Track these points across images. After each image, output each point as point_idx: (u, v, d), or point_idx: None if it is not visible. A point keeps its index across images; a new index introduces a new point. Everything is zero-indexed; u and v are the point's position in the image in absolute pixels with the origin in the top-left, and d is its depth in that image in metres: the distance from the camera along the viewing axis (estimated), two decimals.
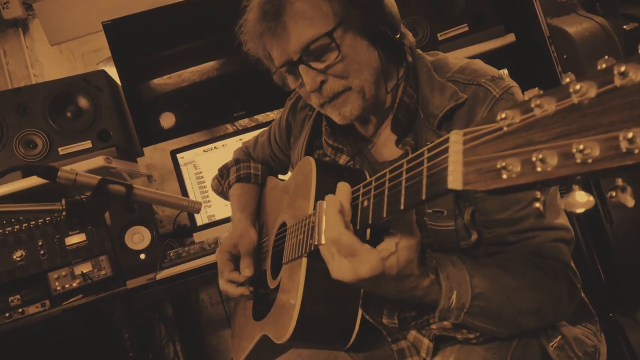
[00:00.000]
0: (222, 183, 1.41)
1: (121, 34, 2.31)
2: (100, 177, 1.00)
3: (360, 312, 0.87)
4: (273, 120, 2.52)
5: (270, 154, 1.37)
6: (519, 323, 0.79)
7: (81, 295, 2.01)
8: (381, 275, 0.67)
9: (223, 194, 1.44)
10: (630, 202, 0.31)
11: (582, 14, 2.04)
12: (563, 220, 0.85)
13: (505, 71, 2.12)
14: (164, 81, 2.35)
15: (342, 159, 1.04)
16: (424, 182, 0.48)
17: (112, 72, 2.33)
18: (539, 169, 0.34)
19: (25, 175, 1.99)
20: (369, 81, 0.90)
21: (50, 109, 2.09)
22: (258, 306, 1.15)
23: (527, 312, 0.78)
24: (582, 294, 1.00)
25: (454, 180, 0.42)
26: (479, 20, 2.07)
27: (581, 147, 0.31)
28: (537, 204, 0.36)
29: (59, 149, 2.09)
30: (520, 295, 0.77)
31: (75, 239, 2.14)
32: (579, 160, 0.31)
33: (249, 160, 1.40)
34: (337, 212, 0.68)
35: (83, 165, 1.99)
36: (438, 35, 2.10)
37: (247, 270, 1.10)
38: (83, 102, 2.14)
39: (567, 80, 0.35)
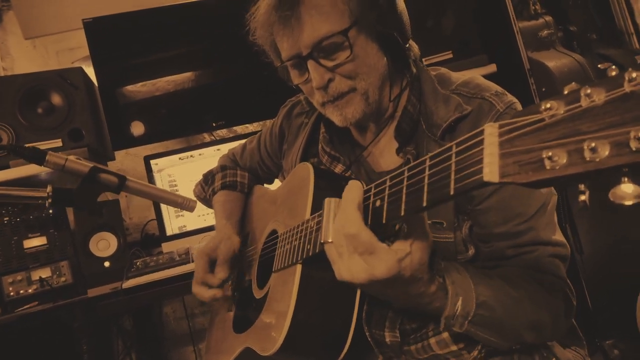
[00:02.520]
0: (206, 189, 1.36)
1: (101, 33, 2.25)
2: (92, 165, 0.95)
3: (353, 324, 0.83)
4: (252, 132, 2.52)
5: (258, 161, 1.33)
6: (519, 336, 0.78)
7: (37, 303, 1.88)
8: (396, 276, 0.63)
9: (206, 200, 1.39)
10: None
11: (560, 50, 2.13)
12: (560, 236, 0.86)
13: None
14: (137, 89, 2.29)
15: (338, 168, 1.02)
16: (452, 176, 0.46)
17: (88, 72, 2.25)
18: (588, 159, 0.33)
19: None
20: (375, 85, 0.90)
21: (20, 102, 1.98)
22: (240, 318, 1.10)
23: (527, 325, 0.77)
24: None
25: (491, 172, 0.40)
26: (463, 48, 2.13)
27: (637, 134, 0.30)
28: (583, 197, 0.35)
29: (26, 145, 1.98)
30: (521, 307, 0.76)
31: (34, 242, 2.01)
32: (634, 149, 0.30)
33: (235, 168, 1.36)
34: (356, 207, 0.64)
35: None
36: (423, 60, 2.14)
37: (221, 273, 1.07)
38: (56, 99, 2.05)
39: (613, 73, 0.34)
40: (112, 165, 2.52)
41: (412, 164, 0.57)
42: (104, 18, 2.24)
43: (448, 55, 2.15)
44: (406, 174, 0.57)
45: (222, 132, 2.60)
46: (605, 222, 2.04)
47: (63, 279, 1.94)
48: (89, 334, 1.84)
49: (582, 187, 0.35)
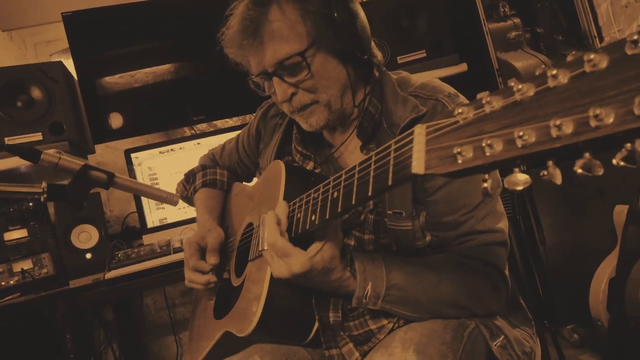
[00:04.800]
0: (188, 188, 1.42)
1: (81, 26, 2.27)
2: (83, 163, 1.01)
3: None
4: (232, 126, 2.57)
5: (237, 160, 1.39)
6: (439, 312, 0.91)
7: (19, 294, 1.91)
8: (310, 269, 0.81)
9: (188, 198, 1.45)
10: (558, 180, 0.38)
11: (527, 51, 2.24)
12: (501, 224, 0.95)
13: None
14: (116, 80, 2.31)
15: (310, 166, 1.09)
16: (391, 170, 0.54)
17: (67, 64, 2.27)
18: (488, 154, 0.40)
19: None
20: (336, 95, 0.97)
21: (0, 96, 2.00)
22: (220, 306, 1.16)
23: (445, 303, 0.90)
24: (521, 301, 1.10)
25: (417, 165, 0.48)
26: (436, 48, 2.22)
27: (521, 133, 0.38)
28: (485, 184, 0.43)
29: (6, 138, 2.00)
30: (438, 289, 0.89)
31: (15, 234, 2.03)
32: (519, 145, 0.38)
33: (215, 167, 1.42)
34: (275, 223, 0.84)
35: None
36: (398, 58, 2.22)
37: (212, 259, 1.13)
38: (36, 93, 2.07)
39: (512, 83, 0.42)
40: (92, 159, 2.54)
41: (362, 159, 0.65)
42: (83, 12, 2.26)
43: (422, 54, 2.23)
44: (357, 168, 0.65)
45: (202, 126, 2.64)
46: (568, 218, 2.17)
47: (45, 270, 1.97)
48: (72, 324, 1.88)
49: (486, 176, 0.43)
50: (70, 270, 1.96)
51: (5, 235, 2.01)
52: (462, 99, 0.96)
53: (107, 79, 2.30)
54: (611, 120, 0.33)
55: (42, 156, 0.96)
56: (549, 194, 2.17)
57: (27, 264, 1.96)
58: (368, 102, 1.01)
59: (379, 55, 1.04)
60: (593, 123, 0.34)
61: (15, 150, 0.95)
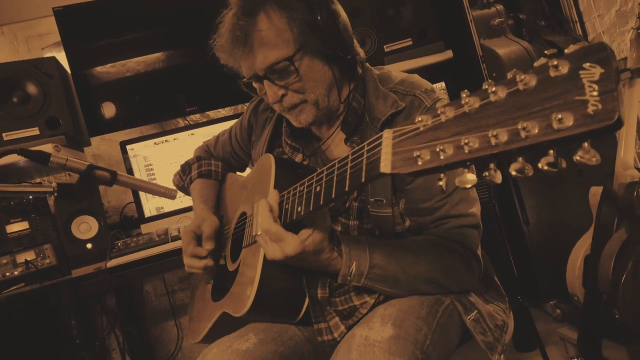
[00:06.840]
0: (184, 178, 1.49)
1: (72, 20, 2.30)
2: (88, 163, 1.08)
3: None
4: (224, 116, 2.62)
5: (230, 151, 1.46)
6: (417, 288, 0.99)
7: (23, 284, 1.98)
8: (302, 252, 0.89)
9: (184, 188, 1.52)
10: (498, 180, 0.46)
11: (510, 37, 2.30)
12: (473, 209, 1.03)
13: (443, 84, 2.34)
14: (107, 70, 2.35)
15: (298, 158, 1.17)
16: (364, 168, 0.62)
17: (59, 58, 2.30)
18: (442, 157, 0.48)
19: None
20: (323, 94, 1.04)
21: None
22: (217, 289, 1.24)
23: (422, 280, 0.98)
24: (496, 279, 1.19)
25: (385, 165, 0.56)
26: (421, 36, 2.27)
27: (467, 140, 0.45)
28: (440, 182, 0.51)
29: (4, 134, 2.06)
30: (415, 267, 0.97)
31: (16, 227, 2.09)
32: (466, 151, 0.46)
33: (209, 158, 1.49)
34: (268, 210, 0.91)
35: None
36: (384, 47, 2.27)
37: (208, 245, 1.20)
38: (31, 89, 2.11)
39: (463, 95, 0.49)
40: (88, 151, 2.60)
41: (341, 157, 0.73)
42: (74, 6, 2.29)
43: (408, 42, 2.28)
44: (337, 165, 0.73)
45: (196, 117, 2.70)
46: (549, 198, 2.26)
47: (47, 261, 2.03)
48: (76, 311, 1.96)
49: (441, 175, 0.50)
50: (72, 260, 2.03)
51: (7, 228, 2.07)
52: (438, 94, 1.04)
53: (99, 68, 2.34)
54: (536, 131, 0.40)
55: (51, 158, 1.02)
56: (531, 177, 2.26)
57: (30, 255, 2.03)
58: (352, 98, 1.08)
59: (361, 52, 1.11)
60: (522, 134, 0.41)
61: (26, 154, 1.01)
